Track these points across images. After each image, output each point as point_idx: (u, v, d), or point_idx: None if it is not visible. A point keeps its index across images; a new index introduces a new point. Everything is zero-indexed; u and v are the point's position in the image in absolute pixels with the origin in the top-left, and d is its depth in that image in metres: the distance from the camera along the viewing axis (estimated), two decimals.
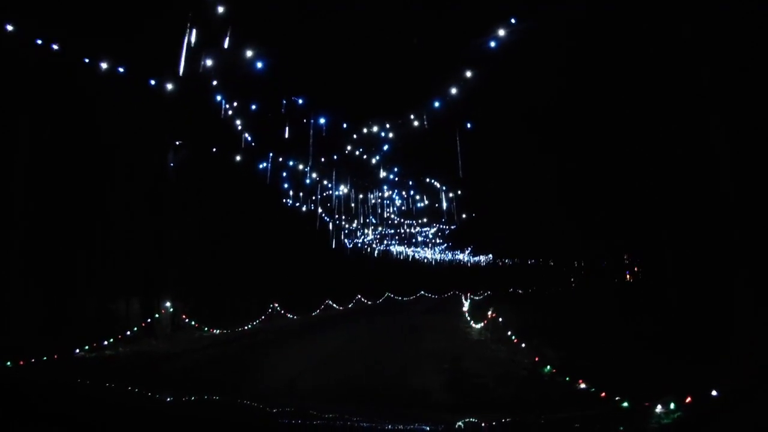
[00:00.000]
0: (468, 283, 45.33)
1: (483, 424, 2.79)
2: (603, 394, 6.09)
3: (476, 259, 68.06)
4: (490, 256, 67.90)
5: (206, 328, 15.18)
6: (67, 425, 2.25)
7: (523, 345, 10.14)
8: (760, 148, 8.99)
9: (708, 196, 10.41)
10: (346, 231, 29.92)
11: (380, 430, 2.77)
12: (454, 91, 12.26)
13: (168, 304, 14.41)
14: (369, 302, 33.86)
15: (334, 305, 27.48)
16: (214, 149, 16.57)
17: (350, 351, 12.19)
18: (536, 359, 8.94)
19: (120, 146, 14.25)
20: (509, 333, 11.27)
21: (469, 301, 25.28)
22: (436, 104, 13.05)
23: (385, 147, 16.97)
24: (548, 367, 8.28)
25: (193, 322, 15.05)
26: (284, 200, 22.29)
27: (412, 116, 14.04)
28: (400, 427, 2.85)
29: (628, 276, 29.82)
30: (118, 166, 14.49)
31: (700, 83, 9.42)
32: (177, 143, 15.68)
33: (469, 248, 60.39)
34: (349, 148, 17.64)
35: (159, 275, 15.10)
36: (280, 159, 18.03)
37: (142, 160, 15.16)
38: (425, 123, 13.73)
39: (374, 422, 2.90)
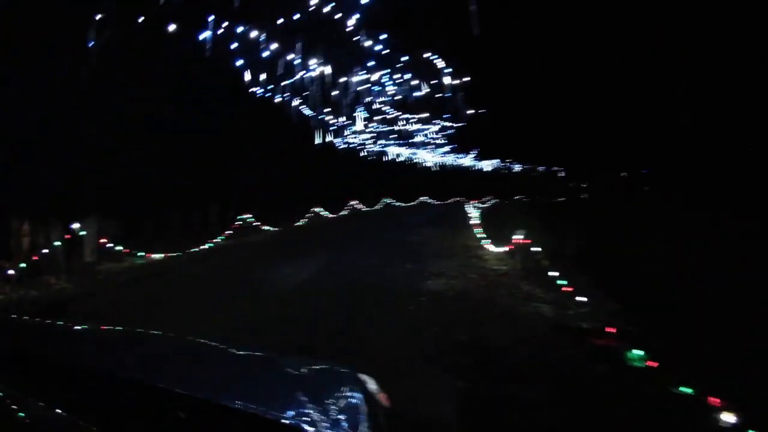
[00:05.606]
0: (473, 190, 43.22)
1: None
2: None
3: (481, 164, 64.06)
4: (497, 161, 63.82)
5: (141, 253, 11.70)
6: None
7: (579, 298, 6.54)
8: None
9: None
10: (335, 128, 25.77)
11: None
12: None
13: (77, 226, 10.21)
14: (364, 209, 30.92)
15: (323, 213, 24.20)
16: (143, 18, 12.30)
17: (326, 291, 8.33)
18: (613, 330, 5.36)
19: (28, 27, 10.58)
20: (553, 274, 7.63)
21: (478, 212, 21.48)
22: None
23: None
24: (633, 351, 4.68)
25: (120, 247, 11.32)
26: (252, 89, 17.90)
27: None
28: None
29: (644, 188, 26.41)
30: (24, 51, 10.70)
31: None
32: (96, 17, 11.59)
33: (475, 152, 56.28)
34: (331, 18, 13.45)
35: (75, 186, 11.35)
36: (238, 30, 13.77)
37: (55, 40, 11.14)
38: None
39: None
